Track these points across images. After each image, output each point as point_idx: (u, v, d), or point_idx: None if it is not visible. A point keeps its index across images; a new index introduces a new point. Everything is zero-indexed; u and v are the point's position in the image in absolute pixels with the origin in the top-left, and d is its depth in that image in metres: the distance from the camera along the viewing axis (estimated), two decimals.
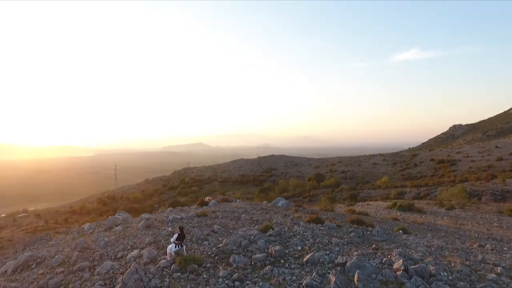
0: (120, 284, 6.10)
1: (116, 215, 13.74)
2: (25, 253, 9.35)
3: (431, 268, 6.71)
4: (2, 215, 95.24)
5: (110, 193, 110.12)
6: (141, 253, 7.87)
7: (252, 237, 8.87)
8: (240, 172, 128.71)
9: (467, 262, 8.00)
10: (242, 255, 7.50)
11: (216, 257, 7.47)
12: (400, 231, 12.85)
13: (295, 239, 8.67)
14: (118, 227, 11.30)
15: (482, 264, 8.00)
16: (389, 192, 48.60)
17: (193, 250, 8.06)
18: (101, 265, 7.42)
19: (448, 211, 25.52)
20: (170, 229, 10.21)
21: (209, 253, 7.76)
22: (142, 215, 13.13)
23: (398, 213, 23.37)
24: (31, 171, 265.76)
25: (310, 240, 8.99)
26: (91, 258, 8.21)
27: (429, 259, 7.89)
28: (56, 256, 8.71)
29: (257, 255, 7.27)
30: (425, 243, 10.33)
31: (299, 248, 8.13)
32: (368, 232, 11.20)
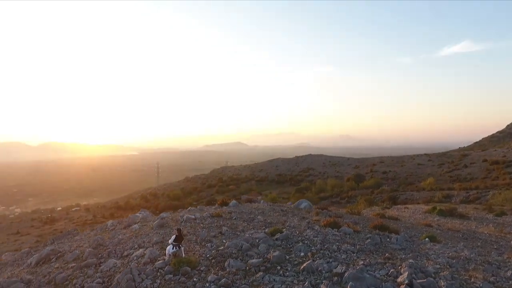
0: (114, 283, 6.25)
1: (137, 213, 14.26)
2: (47, 247, 10.00)
3: (442, 283, 6.07)
4: (58, 209, 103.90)
5: (152, 190, 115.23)
6: (144, 252, 8.04)
7: (257, 241, 8.69)
8: (277, 171, 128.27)
9: (492, 278, 7.16)
10: (240, 259, 7.36)
11: (213, 260, 7.40)
12: (427, 239, 11.90)
13: (300, 244, 8.35)
14: (135, 225, 11.69)
15: (510, 282, 7.10)
16: (434, 194, 45.61)
17: (193, 252, 8.07)
18: (106, 262, 7.69)
19: (497, 218, 23.27)
20: (181, 229, 10.32)
21: (208, 255, 7.72)
22: (161, 214, 13.48)
23: (436, 218, 21.77)
24: (83, 168, 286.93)
25: (318, 246, 8.61)
26: (100, 255, 8.56)
27: (445, 272, 7.17)
28: (72, 252, 9.19)
29: (253, 260, 7.09)
30: (450, 254, 9.44)
31: (302, 254, 7.80)
32: (388, 239, 10.51)
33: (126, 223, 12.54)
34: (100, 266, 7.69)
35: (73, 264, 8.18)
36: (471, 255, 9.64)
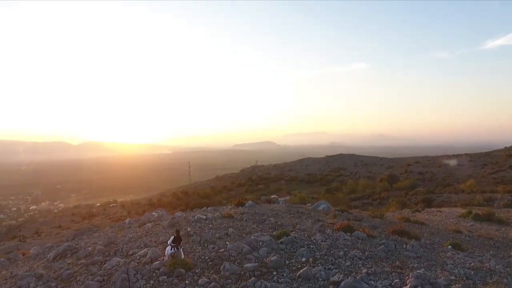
0: (111, 282, 6.38)
1: (153, 212, 14.58)
2: (65, 243, 10.48)
3: None
4: (97, 205, 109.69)
5: (184, 188, 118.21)
6: (147, 252, 8.16)
7: (261, 244, 8.53)
8: (307, 171, 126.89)
9: None
10: (237, 263, 7.24)
11: (210, 263, 7.35)
12: (449, 246, 11.08)
13: (303, 249, 8.08)
14: (148, 224, 11.96)
15: None
16: (474, 197, 42.73)
17: (193, 253, 8.07)
18: (110, 261, 7.89)
19: None
20: (189, 229, 10.42)
21: (206, 257, 7.68)
22: (176, 214, 13.68)
23: (469, 224, 20.27)
24: (120, 167, 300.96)
25: (323, 251, 8.28)
26: (107, 253, 8.81)
27: (458, 285, 6.58)
28: (85, 249, 9.55)
29: (248, 265, 6.94)
30: (471, 264, 8.69)
31: (303, 259, 7.53)
32: (403, 246, 9.90)
33: (141, 221, 12.87)
34: (104, 264, 7.91)
35: (83, 261, 8.49)
36: (497, 266, 8.81)
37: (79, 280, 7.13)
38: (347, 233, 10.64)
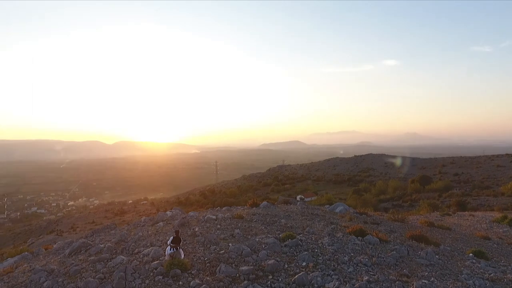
0: (111, 280, 6.52)
1: (167, 211, 14.84)
2: (80, 240, 10.91)
3: None
4: (129, 202, 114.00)
5: (211, 187, 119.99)
6: (151, 251, 8.28)
7: (263, 246, 8.40)
8: (335, 171, 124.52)
9: None
10: (235, 265, 7.17)
11: (208, 264, 7.33)
12: (471, 254, 10.33)
13: (305, 253, 7.85)
14: (160, 223, 12.19)
15: None
16: None
17: (194, 253, 8.09)
18: (115, 258, 8.09)
19: None
20: (197, 229, 10.49)
21: (206, 259, 7.67)
22: (189, 213, 13.83)
23: (502, 230, 18.86)
24: (151, 165, 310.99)
25: (328, 255, 8.01)
26: (115, 250, 9.05)
27: None
28: (96, 246, 9.88)
29: (244, 268, 6.84)
30: (491, 275, 8.03)
31: (304, 264, 7.32)
32: (417, 253, 9.35)
33: (155, 220, 13.15)
34: (109, 261, 8.12)
35: (92, 258, 8.78)
36: None
37: (83, 277, 7.37)
38: (359, 237, 10.24)
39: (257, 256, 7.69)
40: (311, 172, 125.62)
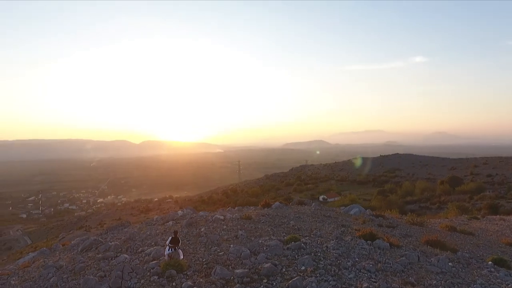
0: (109, 278, 6.63)
1: (179, 211, 15.00)
2: (91, 237, 11.24)
3: None
4: (155, 199, 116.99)
5: (234, 186, 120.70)
6: (152, 250, 8.37)
7: (264, 248, 8.27)
8: (359, 171, 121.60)
9: None
10: (231, 267, 7.09)
11: (205, 266, 7.30)
12: (490, 262, 9.65)
13: (306, 257, 7.63)
14: (170, 222, 12.34)
15: None
16: None
17: (194, 254, 8.08)
18: (118, 257, 8.25)
19: None
20: (203, 229, 10.52)
21: (204, 260, 7.64)
22: (199, 213, 13.92)
23: None
24: (176, 164, 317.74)
25: (330, 260, 7.75)
26: (120, 249, 9.23)
27: None
28: (106, 243, 10.13)
29: (239, 271, 6.74)
30: (509, 285, 7.44)
31: (303, 268, 7.11)
32: (429, 259, 8.85)
33: (166, 219, 13.34)
34: (113, 260, 8.29)
35: (99, 255, 9.01)
36: None
37: (86, 274, 7.56)
38: (368, 242, 9.85)
39: (256, 258, 7.57)
40: (334, 172, 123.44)
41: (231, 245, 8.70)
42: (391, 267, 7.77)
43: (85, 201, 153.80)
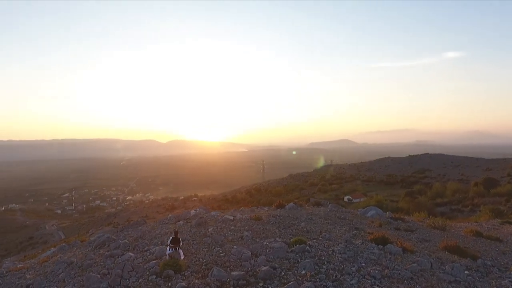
0: (110, 276, 6.76)
1: (192, 210, 15.13)
2: (105, 235, 11.57)
3: None
4: (180, 198, 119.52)
5: (257, 185, 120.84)
6: (156, 250, 8.46)
7: (268, 250, 8.12)
8: (387, 171, 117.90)
9: None
10: (230, 269, 7.01)
11: (204, 267, 7.26)
12: None
13: (307, 260, 7.41)
14: (181, 222, 12.47)
15: None
16: None
17: (195, 254, 8.07)
18: (124, 255, 8.40)
19: None
20: (210, 229, 10.52)
21: (204, 260, 7.61)
22: (211, 212, 13.96)
23: None
24: (202, 163, 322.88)
25: (333, 264, 7.48)
26: (128, 247, 9.40)
27: None
28: (117, 241, 10.38)
29: (235, 273, 6.64)
30: None
31: (303, 272, 6.90)
32: (446, 267, 8.31)
33: (178, 218, 13.50)
34: (119, 257, 8.46)
35: (108, 253, 9.24)
36: None
37: (91, 271, 7.76)
38: (379, 246, 9.43)
39: (255, 261, 7.45)
40: (360, 172, 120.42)
41: (234, 246, 8.63)
42: (399, 273, 7.38)
43: (115, 198, 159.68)
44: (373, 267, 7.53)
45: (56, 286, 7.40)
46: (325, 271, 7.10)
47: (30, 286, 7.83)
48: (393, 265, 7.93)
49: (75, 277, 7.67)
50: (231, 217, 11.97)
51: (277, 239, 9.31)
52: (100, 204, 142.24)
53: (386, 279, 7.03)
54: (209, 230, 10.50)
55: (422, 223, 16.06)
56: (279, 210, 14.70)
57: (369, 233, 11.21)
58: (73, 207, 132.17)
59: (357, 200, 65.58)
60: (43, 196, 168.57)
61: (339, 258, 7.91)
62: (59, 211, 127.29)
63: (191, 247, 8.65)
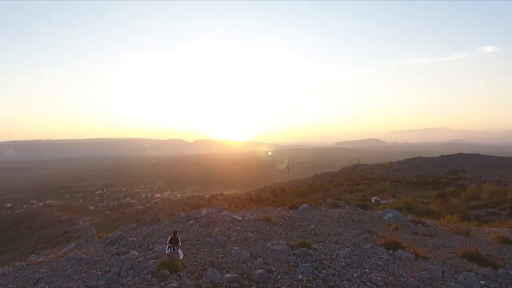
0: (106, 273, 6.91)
1: (204, 210, 15.23)
2: (117, 232, 11.89)
3: None
4: (206, 196, 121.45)
5: (282, 185, 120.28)
6: (157, 249, 8.56)
7: (268, 253, 7.97)
8: (417, 172, 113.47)
9: None
10: (225, 270, 6.95)
11: (200, 267, 7.23)
12: None
13: (305, 265, 7.18)
14: (191, 221, 12.57)
15: None
16: None
17: (195, 255, 8.07)
18: (128, 253, 8.57)
19: None
20: (216, 230, 10.51)
21: (202, 261, 7.58)
22: (222, 212, 13.98)
23: None
24: (227, 162, 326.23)
25: (335, 269, 7.21)
26: (134, 245, 9.59)
27: None
28: (126, 239, 10.63)
29: (228, 275, 6.55)
30: None
31: (300, 276, 6.70)
32: (459, 276, 7.75)
33: (189, 217, 13.63)
34: (123, 255, 8.64)
35: (114, 250, 9.48)
36: None
37: (96, 267, 7.98)
38: (390, 251, 8.98)
39: (253, 263, 7.33)
40: (389, 173, 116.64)
41: (235, 248, 8.56)
42: (405, 281, 6.98)
43: (144, 196, 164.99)
44: (377, 274, 7.17)
45: (61, 281, 7.67)
46: (324, 276, 6.85)
47: (40, 281, 8.19)
48: (400, 272, 7.52)
49: (80, 273, 7.92)
50: (240, 218, 11.92)
51: (280, 241, 9.13)
52: (130, 201, 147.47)
53: (388, 286, 6.66)
54: (215, 230, 10.50)
55: (445, 227, 15.20)
56: (291, 211, 14.47)
57: (381, 237, 10.74)
58: (105, 204, 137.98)
59: (385, 201, 63.49)
60: (78, 192, 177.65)
61: (342, 263, 7.62)
62: (92, 207, 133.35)
63: (192, 247, 8.68)
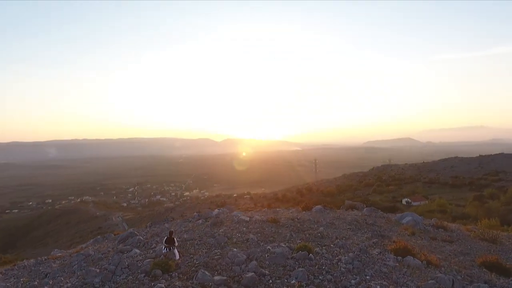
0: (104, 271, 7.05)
1: (215, 210, 15.24)
2: (128, 230, 12.16)
3: None
4: (234, 195, 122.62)
5: (309, 185, 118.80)
6: (157, 248, 8.63)
7: (266, 256, 7.78)
8: (452, 172, 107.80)
9: None
10: (217, 273, 6.84)
11: (193, 268, 7.18)
12: None
13: (300, 269, 6.91)
14: (200, 221, 12.61)
15: None
16: None
17: (192, 255, 8.03)
18: (131, 251, 8.72)
19: None
20: (221, 230, 10.45)
21: (197, 262, 7.52)
22: (233, 212, 13.92)
23: None
24: (255, 162, 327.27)
25: (333, 275, 6.90)
26: (139, 244, 9.74)
27: None
28: (134, 237, 10.85)
29: (217, 277, 6.43)
30: None
31: (293, 281, 6.46)
32: (470, 286, 7.13)
33: (200, 217, 13.69)
34: (125, 253, 8.80)
35: (119, 248, 9.69)
36: None
37: (99, 265, 8.18)
38: (398, 258, 8.46)
39: (246, 266, 7.18)
40: (422, 173, 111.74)
41: (234, 249, 8.44)
42: None
43: (173, 193, 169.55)
44: (378, 281, 6.77)
45: (63, 277, 7.95)
46: (319, 282, 6.57)
47: (48, 275, 8.54)
48: (404, 281, 7.06)
49: (84, 269, 8.16)
50: (247, 219, 11.79)
51: (282, 244, 8.90)
52: (160, 198, 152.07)
53: None
54: (220, 231, 10.46)
55: (470, 233, 14.16)
56: (303, 212, 14.14)
57: (394, 242, 10.18)
58: (137, 201, 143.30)
59: (417, 203, 60.71)
60: (111, 189, 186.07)
61: (342, 269, 7.28)
62: (124, 204, 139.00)
63: (191, 248, 8.68)
